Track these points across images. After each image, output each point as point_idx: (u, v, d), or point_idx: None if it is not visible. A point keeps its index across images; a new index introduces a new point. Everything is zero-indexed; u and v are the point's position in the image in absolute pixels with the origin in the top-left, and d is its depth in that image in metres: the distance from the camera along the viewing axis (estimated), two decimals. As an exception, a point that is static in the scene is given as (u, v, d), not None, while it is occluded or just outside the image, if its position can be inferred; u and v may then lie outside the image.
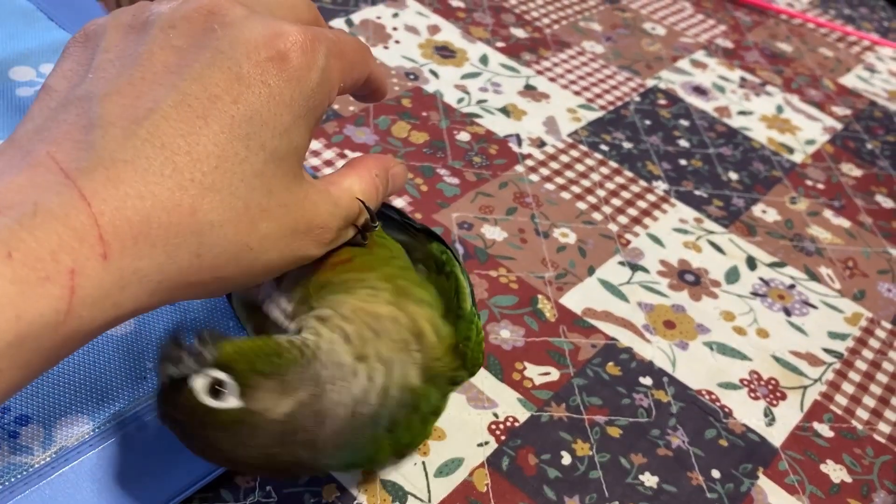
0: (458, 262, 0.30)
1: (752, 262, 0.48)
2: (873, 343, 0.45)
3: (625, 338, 0.41)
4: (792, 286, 0.47)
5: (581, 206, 0.49)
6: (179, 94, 0.21)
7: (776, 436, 0.39)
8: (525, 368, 0.38)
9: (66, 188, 0.19)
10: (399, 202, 0.45)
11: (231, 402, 0.22)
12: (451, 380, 0.28)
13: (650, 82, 0.62)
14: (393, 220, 0.32)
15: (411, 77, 0.55)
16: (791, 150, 0.58)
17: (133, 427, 0.31)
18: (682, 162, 0.54)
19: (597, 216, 0.48)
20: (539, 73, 0.59)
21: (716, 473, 0.36)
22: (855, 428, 0.40)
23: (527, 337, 0.40)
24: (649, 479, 0.35)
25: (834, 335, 0.45)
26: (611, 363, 0.40)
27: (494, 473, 0.34)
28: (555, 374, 0.38)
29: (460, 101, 0.54)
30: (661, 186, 0.52)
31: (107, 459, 0.30)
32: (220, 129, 0.21)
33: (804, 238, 0.51)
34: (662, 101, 0.60)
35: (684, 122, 0.58)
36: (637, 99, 0.60)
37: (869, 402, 0.42)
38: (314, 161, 0.47)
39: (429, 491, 0.33)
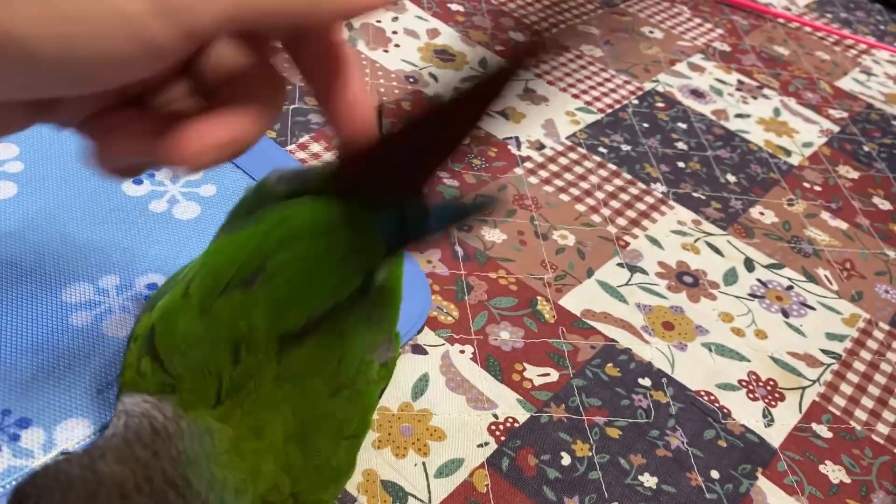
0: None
1: (749, 264, 0.48)
2: (871, 344, 0.45)
3: (624, 339, 0.41)
4: (790, 288, 0.47)
5: (580, 208, 0.49)
6: None
7: (775, 436, 0.39)
8: (524, 369, 0.39)
9: None
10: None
11: None
12: None
13: (648, 85, 0.62)
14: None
15: (411, 80, 0.56)
16: (788, 153, 0.59)
17: (134, 428, 0.31)
18: (680, 164, 0.55)
19: (596, 218, 0.48)
20: (538, 76, 0.60)
21: (715, 474, 0.36)
22: (853, 429, 0.40)
23: (526, 338, 0.40)
24: (648, 480, 0.35)
25: (832, 336, 0.45)
26: (610, 364, 0.40)
27: (494, 474, 0.34)
28: (554, 375, 0.39)
29: (459, 104, 0.55)
30: (659, 189, 0.52)
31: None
32: None
33: (802, 240, 0.51)
34: (660, 104, 0.60)
35: (682, 125, 0.59)
36: (635, 102, 0.60)
37: (867, 402, 0.42)
38: (314, 163, 0.47)
39: (429, 491, 0.33)
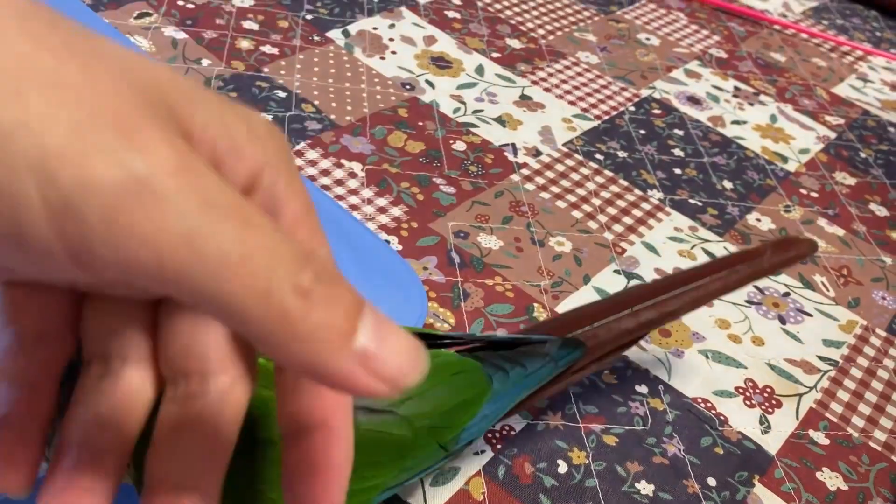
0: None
1: (746, 271, 0.48)
2: (868, 351, 0.45)
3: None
4: (786, 294, 0.47)
5: (576, 214, 0.49)
6: None
7: (772, 443, 0.39)
8: (521, 377, 0.38)
9: None
10: (396, 211, 0.45)
11: None
12: None
13: (644, 92, 0.62)
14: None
15: (407, 87, 0.56)
16: (785, 159, 0.59)
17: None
18: (677, 171, 0.55)
19: (592, 225, 0.48)
20: (534, 83, 0.60)
21: (712, 481, 0.36)
22: (850, 435, 0.40)
23: (523, 345, 0.40)
24: (645, 488, 0.35)
25: (829, 343, 0.45)
26: (606, 371, 0.40)
27: (491, 482, 0.34)
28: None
29: (456, 110, 0.55)
30: (655, 195, 0.52)
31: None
32: None
33: (798, 246, 0.51)
34: (657, 111, 0.60)
35: (679, 132, 0.59)
36: (632, 108, 0.60)
37: (864, 409, 0.42)
38: (311, 171, 0.47)
39: (425, 500, 0.33)
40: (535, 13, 0.69)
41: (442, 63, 0.59)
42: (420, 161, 0.50)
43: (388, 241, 0.43)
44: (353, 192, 0.46)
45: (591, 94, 0.60)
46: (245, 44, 0.55)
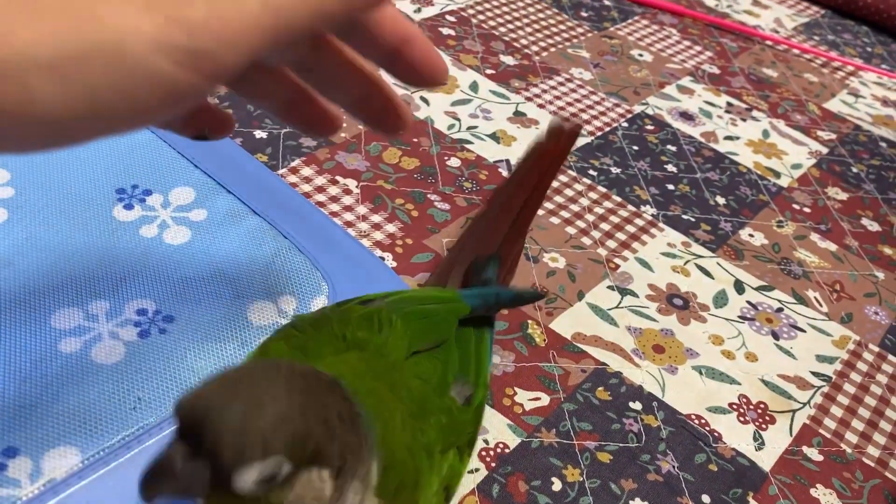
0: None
1: (739, 286, 0.48)
2: (861, 366, 0.45)
3: (614, 362, 0.41)
4: (780, 310, 0.47)
5: (570, 230, 0.49)
6: None
7: (766, 460, 0.39)
8: (515, 394, 0.39)
9: None
10: (390, 228, 0.46)
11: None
12: None
13: (637, 108, 0.63)
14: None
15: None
16: (777, 175, 0.59)
17: (122, 460, 0.31)
18: (670, 186, 0.55)
19: (586, 241, 0.49)
20: (528, 99, 0.60)
21: (706, 498, 0.36)
22: (844, 452, 0.40)
23: (517, 362, 0.40)
24: (640, 505, 0.35)
25: (822, 358, 0.45)
26: (601, 388, 0.40)
27: (485, 500, 0.34)
28: (545, 400, 0.39)
29: (451, 127, 0.55)
30: (649, 211, 0.52)
31: (95, 492, 0.30)
32: None
33: (791, 261, 0.51)
34: (650, 127, 0.61)
35: (671, 148, 0.59)
36: (625, 124, 0.60)
37: (857, 425, 0.42)
38: (305, 187, 0.47)
39: (419, 519, 0.33)
40: (528, 30, 0.69)
41: (436, 80, 0.59)
42: (415, 178, 0.50)
43: (382, 258, 0.44)
44: (348, 208, 0.46)
45: (585, 110, 0.61)
46: (240, 61, 0.55)
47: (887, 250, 0.55)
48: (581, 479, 0.36)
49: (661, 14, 0.78)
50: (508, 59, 0.64)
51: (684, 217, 0.53)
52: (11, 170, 0.40)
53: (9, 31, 0.14)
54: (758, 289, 0.48)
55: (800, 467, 0.39)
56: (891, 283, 0.52)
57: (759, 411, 0.41)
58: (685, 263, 0.49)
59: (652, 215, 0.52)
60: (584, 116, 0.60)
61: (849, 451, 0.40)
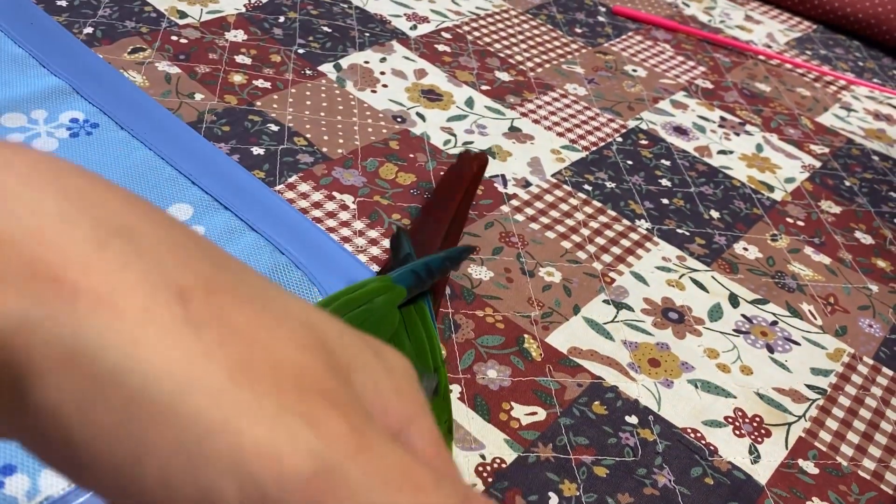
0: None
1: (734, 300, 0.49)
2: (856, 379, 0.46)
3: (610, 376, 0.42)
4: (774, 323, 0.48)
5: (566, 245, 0.49)
6: None
7: (761, 473, 0.39)
8: (512, 408, 0.39)
9: None
10: (387, 243, 0.46)
11: None
12: None
13: (632, 123, 0.63)
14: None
15: (399, 120, 0.56)
16: (771, 188, 0.60)
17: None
18: (665, 201, 0.55)
19: (581, 255, 0.49)
20: (523, 115, 0.61)
21: (702, 512, 0.36)
22: (840, 464, 0.40)
23: (513, 377, 0.40)
24: (636, 519, 0.35)
25: (817, 371, 0.45)
26: (597, 402, 0.40)
27: (482, 515, 0.34)
28: (541, 414, 0.39)
29: (447, 143, 0.55)
30: (643, 225, 0.53)
31: (93, 507, 0.30)
32: None
33: (785, 275, 0.52)
34: (644, 142, 0.61)
35: (666, 162, 0.59)
36: (619, 139, 0.61)
37: (853, 438, 0.42)
38: (303, 203, 0.47)
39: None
40: (523, 46, 0.70)
41: (432, 96, 0.60)
42: (411, 193, 0.50)
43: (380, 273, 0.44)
44: (345, 224, 0.46)
45: (580, 125, 0.61)
46: (238, 78, 0.56)
47: (881, 263, 0.55)
48: (578, 493, 0.36)
49: (655, 30, 0.79)
50: (503, 75, 0.65)
51: (679, 231, 0.53)
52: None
53: None
54: (752, 302, 0.49)
55: (796, 480, 0.39)
56: (884, 295, 0.52)
57: (755, 424, 0.41)
58: (680, 277, 0.49)
59: (647, 229, 0.52)
60: (579, 132, 0.60)
61: (844, 463, 0.41)
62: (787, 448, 0.40)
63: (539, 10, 0.76)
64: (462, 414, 0.38)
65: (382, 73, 0.61)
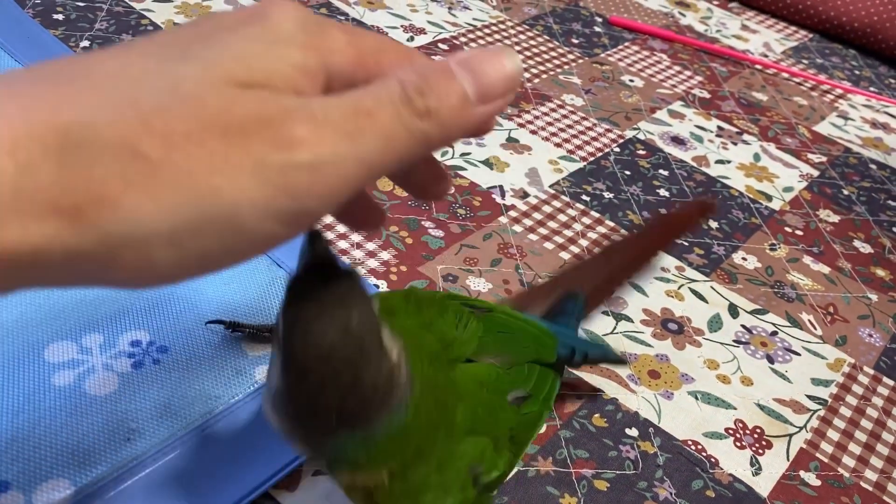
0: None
1: (734, 310, 0.48)
2: (856, 389, 0.45)
3: (610, 388, 0.41)
4: (774, 333, 0.48)
5: (564, 255, 0.49)
6: None
7: (763, 485, 0.38)
8: (511, 422, 0.38)
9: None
10: (385, 255, 0.46)
11: None
12: None
13: (629, 133, 0.63)
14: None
15: (395, 131, 0.56)
16: (769, 198, 0.60)
17: (114, 493, 0.30)
18: (663, 211, 0.55)
19: (580, 266, 0.49)
20: (521, 125, 0.61)
21: (704, 526, 0.36)
22: (842, 476, 0.40)
23: (512, 389, 0.40)
24: (637, 533, 0.35)
25: (817, 382, 0.45)
26: (597, 415, 0.40)
27: (481, 530, 0.34)
28: (541, 427, 0.38)
29: (444, 154, 0.55)
30: (642, 236, 0.52)
31: (88, 525, 0.29)
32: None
33: (785, 285, 0.51)
34: (641, 152, 0.61)
35: (663, 172, 0.59)
36: (617, 149, 0.61)
37: (854, 449, 0.42)
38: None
39: (415, 550, 0.32)
40: (520, 57, 0.70)
41: (429, 107, 0.60)
42: (409, 205, 0.50)
43: (377, 286, 0.44)
44: (343, 236, 0.46)
45: (577, 135, 0.61)
46: (235, 90, 0.56)
47: (880, 272, 0.55)
48: (578, 507, 0.35)
49: (652, 40, 0.79)
50: (501, 86, 0.65)
51: (677, 241, 0.53)
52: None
53: (135, 206, 0.16)
54: (752, 312, 0.49)
55: (798, 492, 0.39)
56: (884, 304, 0.52)
57: (756, 436, 0.41)
58: (679, 288, 0.49)
59: (645, 240, 0.52)
60: (577, 142, 0.60)
61: (846, 475, 0.40)
62: (788, 460, 0.40)
63: (535, 21, 0.76)
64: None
65: (379, 84, 0.61)
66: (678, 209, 0.45)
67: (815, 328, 0.49)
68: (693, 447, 0.39)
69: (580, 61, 0.72)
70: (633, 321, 0.46)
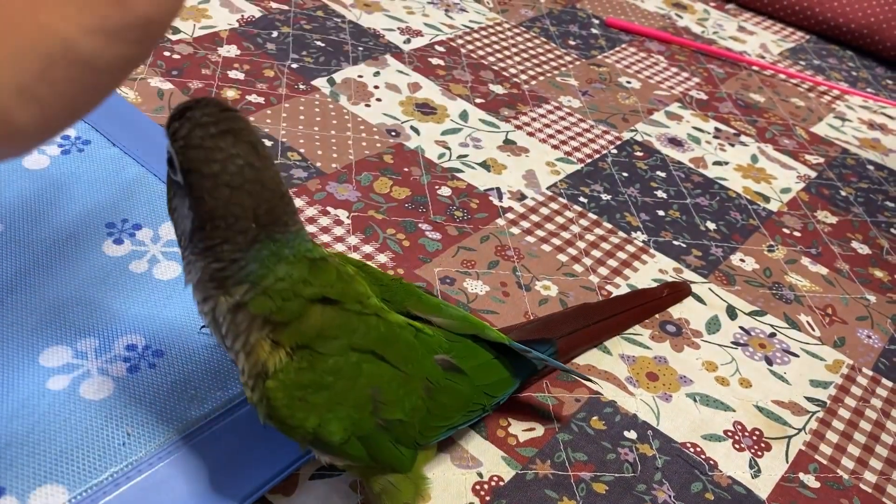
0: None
1: (732, 312, 0.48)
2: (855, 390, 0.45)
3: (608, 391, 0.41)
4: (772, 335, 0.47)
5: (562, 258, 0.49)
6: None
7: (762, 488, 0.38)
8: (509, 425, 0.38)
9: None
10: (382, 258, 0.46)
11: None
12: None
13: (626, 135, 0.63)
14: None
15: (393, 134, 0.56)
16: (767, 199, 0.60)
17: (110, 498, 0.30)
18: (660, 213, 0.55)
19: (577, 268, 0.49)
20: (518, 127, 0.60)
21: (703, 528, 0.36)
22: (841, 478, 0.40)
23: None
24: (636, 537, 0.35)
25: (816, 383, 0.45)
26: (595, 417, 0.40)
27: (480, 534, 0.33)
28: (539, 430, 0.38)
29: (441, 156, 0.55)
30: (639, 237, 0.52)
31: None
32: None
33: (783, 286, 0.51)
34: (639, 153, 0.61)
35: (661, 174, 0.59)
36: (614, 151, 0.61)
37: (854, 450, 0.42)
38: (296, 219, 0.47)
39: (413, 555, 0.32)
40: (517, 59, 0.70)
41: (426, 109, 0.60)
42: (406, 207, 0.50)
43: (374, 289, 0.43)
44: (339, 239, 0.46)
45: (574, 137, 0.61)
46: (231, 93, 0.56)
47: (878, 273, 0.55)
48: (577, 510, 0.35)
49: (649, 41, 0.79)
50: (498, 88, 0.65)
51: (675, 243, 0.53)
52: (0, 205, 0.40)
53: None
54: (750, 314, 0.48)
55: (797, 494, 0.38)
56: (882, 306, 0.52)
57: (755, 438, 0.41)
58: (677, 289, 0.49)
59: (643, 241, 0.52)
60: (574, 144, 0.60)
61: (846, 477, 0.40)
62: (787, 462, 0.40)
63: (532, 23, 0.76)
64: (459, 431, 0.37)
65: (376, 86, 0.61)
66: (653, 289, 0.47)
67: (814, 329, 0.49)
68: (692, 449, 0.39)
69: (577, 63, 0.71)
70: (631, 323, 0.46)
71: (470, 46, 0.69)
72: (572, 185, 0.56)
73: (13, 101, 0.15)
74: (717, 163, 0.62)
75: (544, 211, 0.53)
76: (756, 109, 0.71)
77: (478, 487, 0.35)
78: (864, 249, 0.57)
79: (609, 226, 0.53)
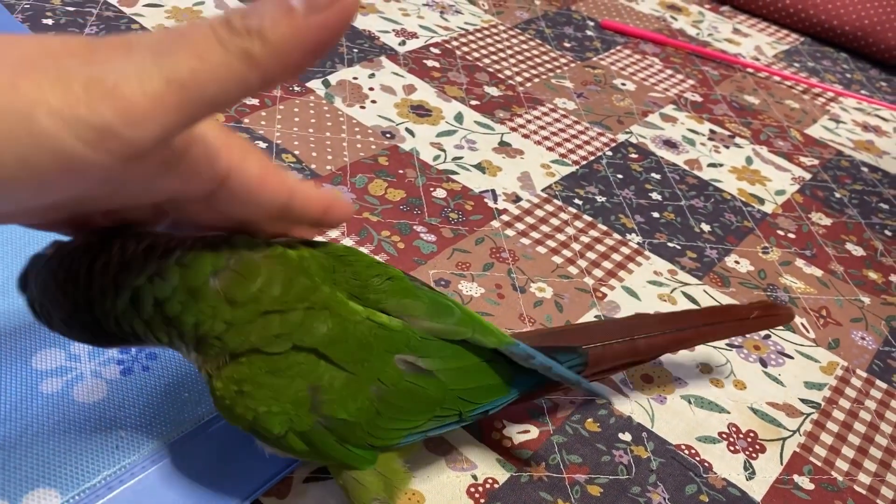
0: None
1: (727, 314, 0.48)
2: (850, 392, 0.45)
3: (603, 393, 0.41)
4: (767, 336, 0.47)
5: (557, 260, 0.49)
6: None
7: (757, 490, 0.38)
8: (504, 427, 0.38)
9: None
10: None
11: None
12: None
13: (621, 137, 0.63)
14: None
15: (388, 136, 0.56)
16: (762, 201, 0.60)
17: (103, 501, 0.30)
18: (655, 214, 0.55)
19: (572, 270, 0.49)
20: (513, 129, 0.60)
21: (698, 530, 0.36)
22: (835, 479, 0.40)
23: (505, 395, 0.40)
24: (631, 539, 0.35)
25: (810, 385, 0.45)
26: (590, 419, 0.40)
27: (474, 537, 0.33)
28: (534, 432, 0.38)
29: (436, 158, 0.55)
30: (634, 239, 0.52)
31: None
32: None
33: (777, 288, 0.51)
34: (634, 155, 0.61)
35: (656, 176, 0.59)
36: (609, 153, 0.61)
37: (848, 452, 0.42)
38: (291, 221, 0.47)
39: (407, 558, 0.32)
40: (512, 61, 0.70)
41: (422, 111, 0.60)
42: (401, 209, 0.50)
43: (368, 291, 0.43)
44: (334, 241, 0.46)
45: (569, 139, 0.61)
46: (225, 95, 0.56)
47: (872, 275, 0.55)
48: (571, 513, 0.35)
49: (643, 43, 0.79)
50: (493, 90, 0.65)
51: (670, 245, 0.53)
52: (-7, 208, 0.40)
53: None
54: (745, 316, 0.48)
55: (791, 496, 0.39)
56: (877, 307, 0.52)
57: (749, 440, 0.41)
58: (672, 291, 0.49)
59: (638, 243, 0.52)
60: (569, 146, 0.60)
61: (840, 478, 0.40)
62: (781, 463, 0.40)
63: (527, 25, 0.76)
64: (454, 434, 0.37)
65: (371, 88, 0.61)
66: (738, 307, 0.39)
67: (808, 331, 0.49)
68: (686, 451, 0.39)
69: (572, 65, 0.72)
70: (625, 325, 0.46)
71: (465, 48, 0.69)
72: (567, 187, 0.56)
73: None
74: (711, 165, 0.62)
75: (539, 213, 0.53)
76: (750, 111, 0.71)
77: (472, 490, 0.35)
78: (858, 251, 0.57)
79: (604, 228, 0.53)
